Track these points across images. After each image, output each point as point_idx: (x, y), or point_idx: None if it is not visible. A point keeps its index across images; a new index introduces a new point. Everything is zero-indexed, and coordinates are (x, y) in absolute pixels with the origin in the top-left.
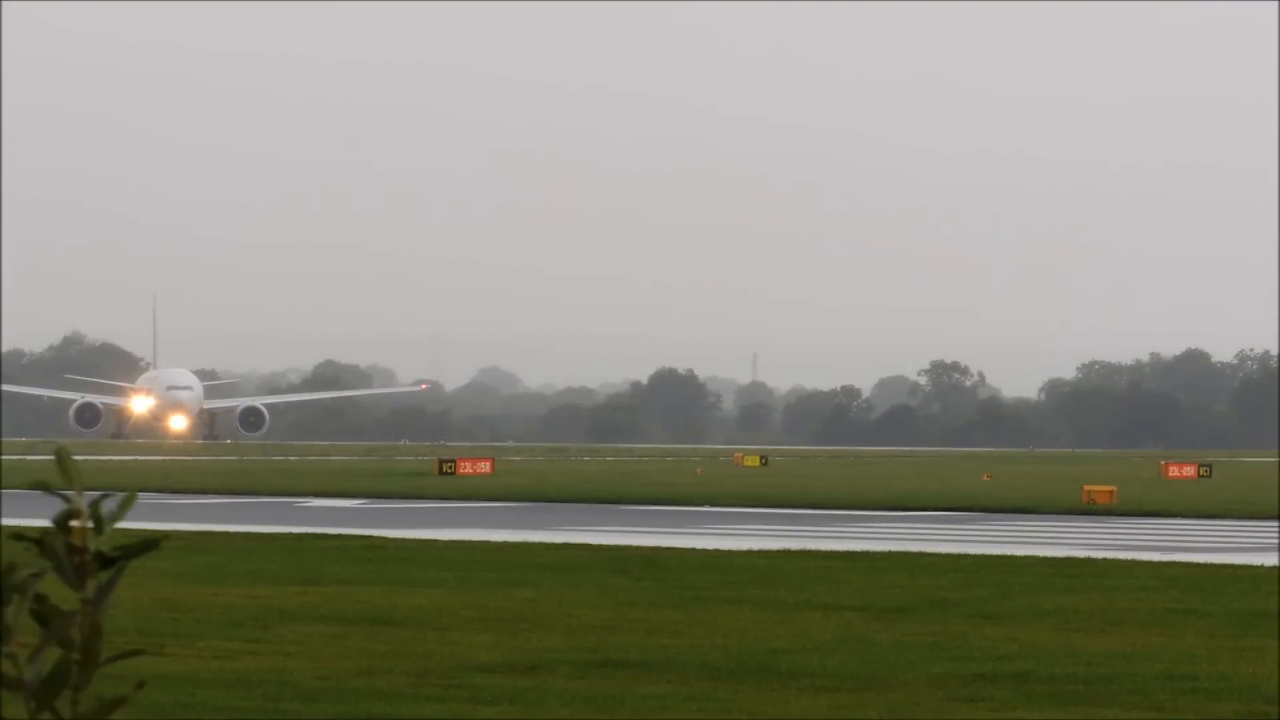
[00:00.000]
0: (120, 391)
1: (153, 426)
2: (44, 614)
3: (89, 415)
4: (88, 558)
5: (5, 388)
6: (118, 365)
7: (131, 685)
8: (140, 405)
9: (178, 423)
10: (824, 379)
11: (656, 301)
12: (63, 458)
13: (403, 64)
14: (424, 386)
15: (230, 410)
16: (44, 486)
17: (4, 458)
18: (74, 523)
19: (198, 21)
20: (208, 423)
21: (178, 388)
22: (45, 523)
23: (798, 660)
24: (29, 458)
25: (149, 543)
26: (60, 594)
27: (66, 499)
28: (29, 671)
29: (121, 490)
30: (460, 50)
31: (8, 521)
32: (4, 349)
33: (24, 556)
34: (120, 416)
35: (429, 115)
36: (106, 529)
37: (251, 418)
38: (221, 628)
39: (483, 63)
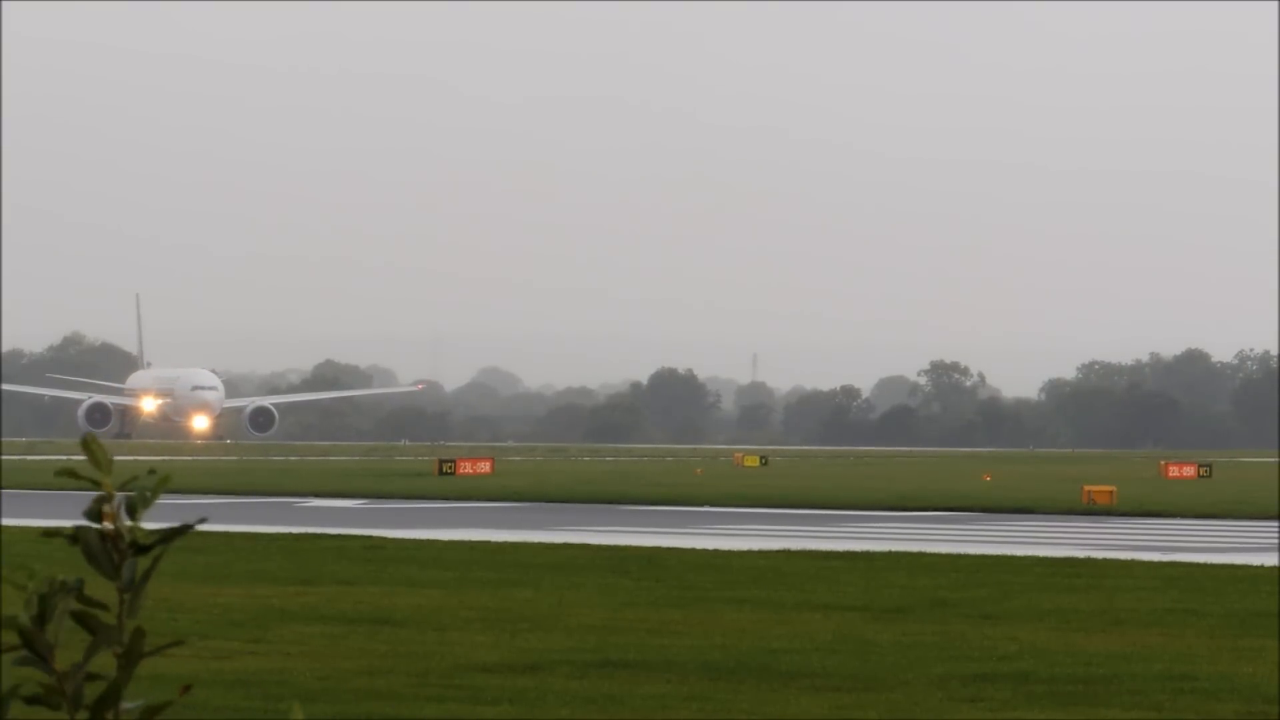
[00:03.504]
0: (111, 391)
1: (163, 426)
2: (86, 616)
3: (99, 415)
4: (123, 546)
5: (5, 387)
6: (117, 365)
7: (174, 689)
8: (157, 405)
9: (201, 423)
10: (824, 379)
11: (656, 301)
12: (90, 442)
13: (400, 76)
14: (420, 386)
15: (234, 410)
16: (70, 473)
17: (4, 458)
18: (105, 508)
19: (203, 30)
20: None
21: (203, 388)
22: (46, 522)
23: (798, 660)
24: (29, 458)
25: (184, 527)
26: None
27: (96, 484)
28: (71, 684)
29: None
30: (459, 61)
31: (9, 521)
32: (4, 349)
33: (59, 553)
34: (126, 416)
35: (428, 124)
36: (140, 515)
37: (261, 418)
38: (221, 628)
39: (487, 73)
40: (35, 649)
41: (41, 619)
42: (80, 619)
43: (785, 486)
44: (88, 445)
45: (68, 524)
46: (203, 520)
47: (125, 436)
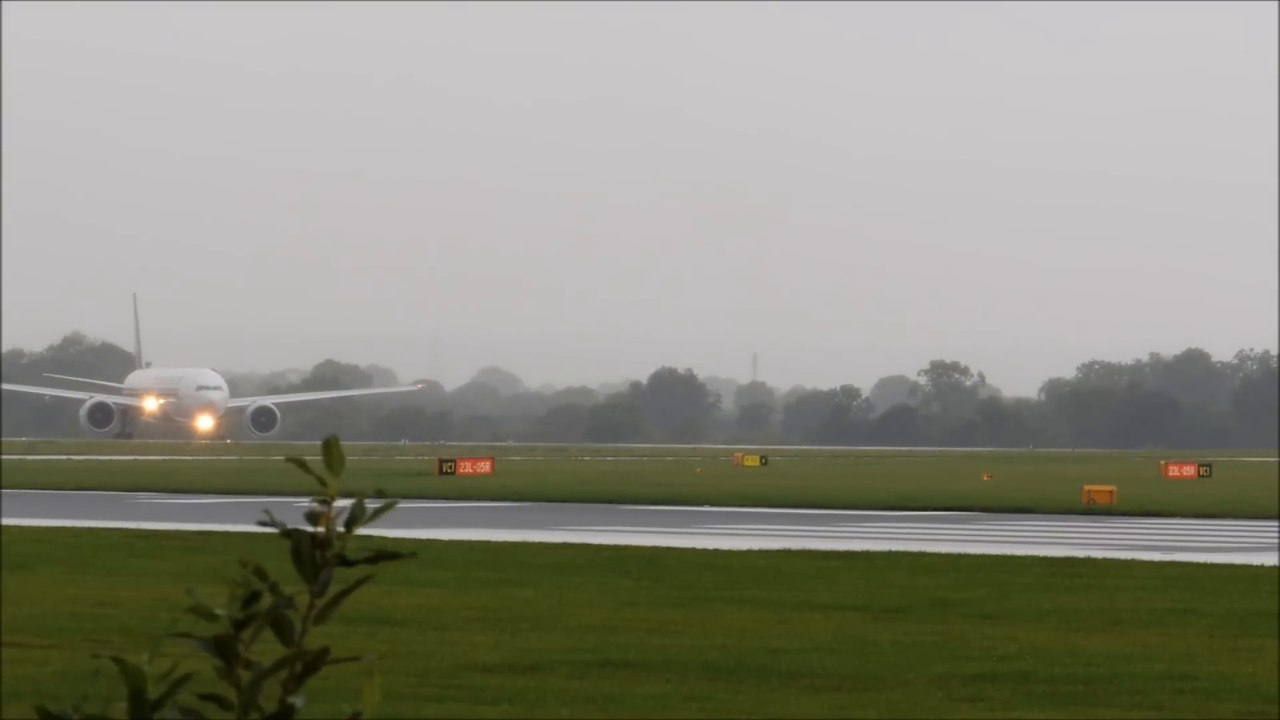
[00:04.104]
0: (110, 391)
1: (164, 426)
2: (281, 621)
3: (101, 415)
4: (329, 555)
5: (5, 387)
6: (118, 365)
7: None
8: (159, 405)
9: (205, 423)
10: (824, 379)
11: (657, 301)
12: (332, 445)
13: (400, 78)
14: (420, 386)
15: (235, 409)
16: (300, 464)
17: (4, 458)
18: (324, 511)
19: (206, 33)
20: None
21: (208, 388)
22: (46, 522)
23: (798, 660)
24: (29, 457)
25: (393, 553)
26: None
27: (323, 485)
28: (249, 694)
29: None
30: (460, 64)
31: (9, 521)
32: (4, 349)
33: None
34: (127, 416)
35: (428, 126)
36: (356, 528)
37: (263, 417)
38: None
39: (487, 75)
40: (225, 655)
41: (242, 624)
42: (274, 624)
43: (785, 486)
44: (328, 447)
45: (281, 520)
46: (412, 554)
47: (127, 436)
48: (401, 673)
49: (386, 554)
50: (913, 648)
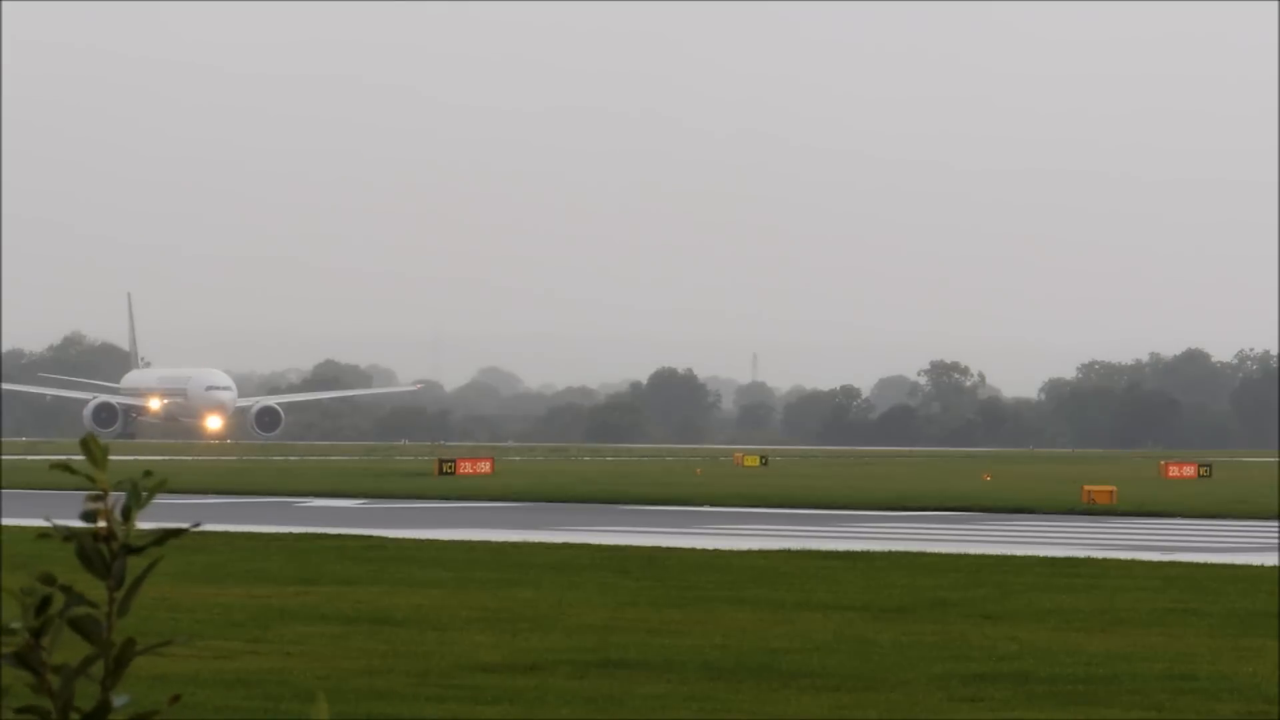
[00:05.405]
0: (107, 391)
1: (166, 426)
2: (81, 621)
3: (106, 415)
4: (115, 546)
5: (5, 387)
6: (118, 366)
7: (166, 698)
8: (165, 404)
9: (214, 423)
10: (824, 379)
11: (656, 301)
12: (89, 442)
13: (402, 83)
14: (419, 385)
15: (239, 410)
16: (65, 467)
17: (4, 458)
18: (100, 506)
19: (208, 37)
20: None
21: (218, 388)
22: (45, 521)
23: (798, 660)
24: (29, 458)
25: (177, 530)
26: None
27: (91, 481)
28: (62, 697)
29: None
30: (459, 69)
31: (9, 521)
32: (4, 349)
33: (59, 551)
34: (129, 415)
35: (430, 130)
36: (135, 516)
37: (267, 417)
38: (221, 628)
39: (488, 80)
40: (30, 665)
41: (39, 632)
42: (78, 626)
43: (785, 486)
44: (86, 444)
45: (63, 523)
46: (197, 525)
47: (129, 436)
48: (401, 673)
49: (171, 531)
50: (913, 648)
